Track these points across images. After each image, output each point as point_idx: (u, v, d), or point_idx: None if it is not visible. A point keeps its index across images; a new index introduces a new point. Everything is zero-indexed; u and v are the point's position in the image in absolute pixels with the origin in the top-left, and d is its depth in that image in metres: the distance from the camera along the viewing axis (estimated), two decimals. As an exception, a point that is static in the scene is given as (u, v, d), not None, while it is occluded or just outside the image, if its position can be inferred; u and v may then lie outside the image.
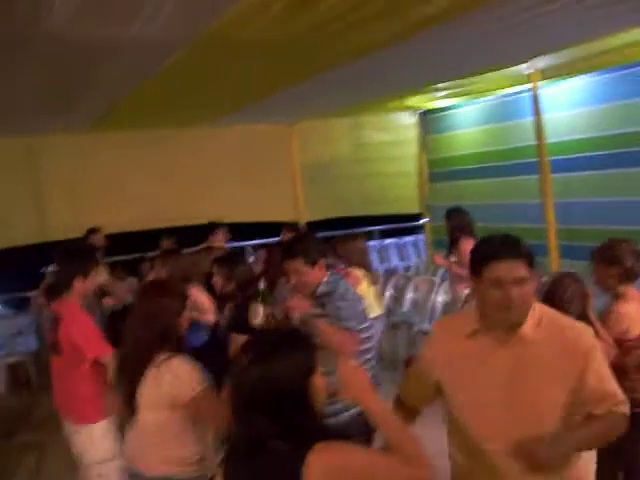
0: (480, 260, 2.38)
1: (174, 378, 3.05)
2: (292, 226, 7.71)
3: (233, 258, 5.46)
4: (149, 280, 4.46)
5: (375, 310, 6.16)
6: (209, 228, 7.93)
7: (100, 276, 4.51)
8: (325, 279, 3.91)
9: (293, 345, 2.10)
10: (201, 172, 9.23)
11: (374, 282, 6.50)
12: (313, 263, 3.84)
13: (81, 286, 4.29)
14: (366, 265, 6.28)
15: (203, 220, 8.39)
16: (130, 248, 9.03)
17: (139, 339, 3.19)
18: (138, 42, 4.38)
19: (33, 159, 8.70)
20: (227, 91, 6.42)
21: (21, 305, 9.08)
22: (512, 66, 6.33)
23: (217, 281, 5.21)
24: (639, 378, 3.63)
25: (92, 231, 7.80)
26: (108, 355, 4.08)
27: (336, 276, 4.08)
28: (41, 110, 6.81)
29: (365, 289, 5.96)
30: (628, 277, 3.82)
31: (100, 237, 7.85)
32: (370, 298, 6.06)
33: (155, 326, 3.16)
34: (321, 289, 3.88)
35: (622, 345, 3.64)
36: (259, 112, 7.97)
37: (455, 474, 2.64)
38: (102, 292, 6.13)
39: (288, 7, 3.85)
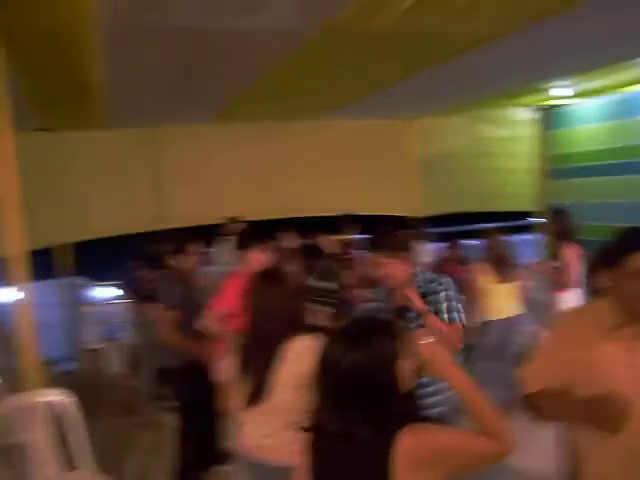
0: (623, 250, 2.32)
1: (300, 355, 3.13)
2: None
3: None
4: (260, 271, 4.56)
5: (500, 311, 6.07)
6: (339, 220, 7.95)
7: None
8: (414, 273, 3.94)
9: (380, 332, 2.13)
10: (319, 164, 9.34)
11: (508, 280, 6.32)
12: (399, 256, 3.88)
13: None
14: (500, 262, 6.18)
15: (320, 212, 8.48)
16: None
17: (265, 331, 3.29)
18: (263, 33, 4.46)
19: (154, 149, 9.04)
20: (347, 83, 6.45)
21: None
22: (634, 61, 6.07)
23: None
24: None
25: (232, 220, 7.98)
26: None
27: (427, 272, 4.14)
28: (167, 102, 7.04)
29: (491, 288, 5.92)
30: None
31: (239, 226, 8.06)
32: (497, 297, 6.00)
33: (279, 317, 3.25)
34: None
35: None
36: (379, 106, 7.98)
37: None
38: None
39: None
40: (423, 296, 3.81)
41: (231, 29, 4.35)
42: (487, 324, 6.25)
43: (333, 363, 2.09)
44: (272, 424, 3.23)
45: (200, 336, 4.96)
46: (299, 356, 3.13)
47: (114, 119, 7.76)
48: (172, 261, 5.48)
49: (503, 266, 6.25)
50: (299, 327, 3.27)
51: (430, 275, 4.04)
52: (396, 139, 9.70)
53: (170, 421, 6.27)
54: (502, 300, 6.26)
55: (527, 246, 11.29)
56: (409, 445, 1.96)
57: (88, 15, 3.88)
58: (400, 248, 3.91)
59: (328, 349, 2.14)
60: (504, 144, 9.90)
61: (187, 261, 5.45)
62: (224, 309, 4.47)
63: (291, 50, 4.95)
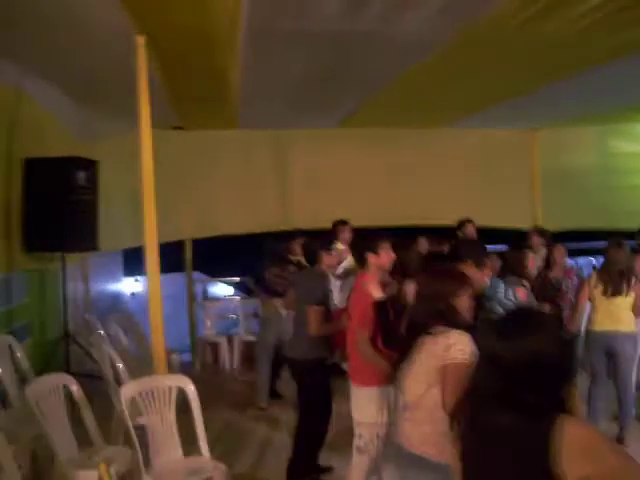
0: None
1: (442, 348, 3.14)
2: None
3: None
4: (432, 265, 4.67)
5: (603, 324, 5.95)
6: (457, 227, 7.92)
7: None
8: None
9: (548, 322, 2.27)
10: (440, 173, 9.31)
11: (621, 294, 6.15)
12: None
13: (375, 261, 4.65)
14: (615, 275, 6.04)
15: (439, 221, 8.43)
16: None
17: (415, 318, 3.42)
18: (394, 38, 4.50)
19: (280, 150, 9.26)
20: (473, 91, 6.41)
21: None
22: None
23: None
24: None
25: (341, 223, 8.10)
26: (363, 331, 4.36)
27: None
28: (296, 106, 7.19)
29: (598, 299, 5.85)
30: None
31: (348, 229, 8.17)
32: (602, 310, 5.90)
33: (431, 306, 3.32)
34: None
35: None
36: (502, 116, 7.86)
37: None
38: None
39: (552, 4, 3.79)
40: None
41: (365, 33, 4.42)
42: (589, 335, 6.07)
43: (500, 352, 2.15)
44: (429, 420, 3.24)
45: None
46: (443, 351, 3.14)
47: (245, 120, 7.99)
48: (302, 259, 5.74)
49: (618, 279, 6.03)
50: (444, 318, 3.27)
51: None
52: (520, 150, 9.51)
53: (285, 417, 6.41)
54: (607, 313, 6.05)
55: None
56: (574, 433, 1.99)
57: (232, 18, 4.04)
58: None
59: (493, 339, 2.21)
60: (635, 160, 9.50)
61: (328, 260, 5.64)
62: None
63: (422, 57, 4.97)
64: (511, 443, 2.11)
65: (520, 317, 2.30)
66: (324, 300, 5.32)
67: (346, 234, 8.06)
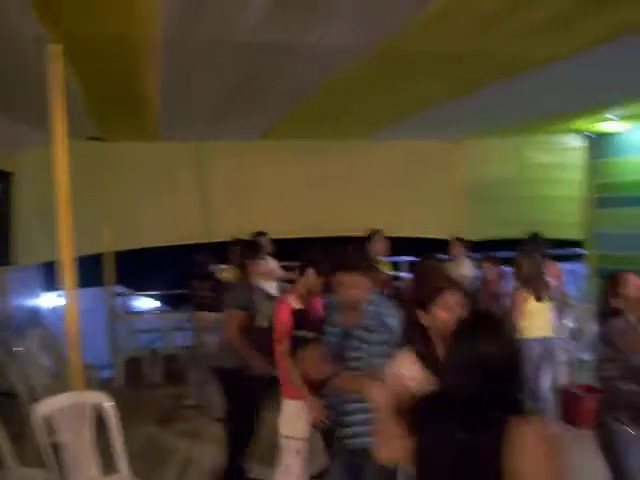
0: None
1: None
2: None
3: None
4: None
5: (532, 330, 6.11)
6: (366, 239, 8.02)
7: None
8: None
9: (503, 326, 2.40)
10: (362, 185, 9.40)
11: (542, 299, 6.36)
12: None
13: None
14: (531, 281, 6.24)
15: (358, 232, 8.51)
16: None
17: None
18: (312, 49, 4.53)
19: (202, 162, 9.20)
20: (394, 103, 6.49)
21: (179, 302, 9.48)
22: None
23: None
24: None
25: (260, 234, 8.18)
26: (283, 343, 4.47)
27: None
28: (217, 118, 7.15)
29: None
30: None
31: (267, 240, 8.23)
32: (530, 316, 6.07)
33: None
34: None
35: None
36: (426, 127, 7.99)
37: None
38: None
39: (470, 19, 3.87)
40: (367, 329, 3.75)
41: (283, 45, 4.42)
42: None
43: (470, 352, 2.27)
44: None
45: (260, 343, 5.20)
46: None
47: (165, 132, 7.90)
48: (226, 273, 5.75)
49: (534, 285, 6.28)
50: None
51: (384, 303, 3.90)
52: (443, 161, 9.70)
53: (211, 430, 6.34)
54: (535, 319, 6.27)
55: (573, 275, 11.15)
56: (533, 433, 2.13)
57: (147, 29, 3.99)
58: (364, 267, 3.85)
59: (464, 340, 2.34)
60: (552, 171, 9.81)
61: (261, 268, 5.68)
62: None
63: (341, 68, 5.01)
64: (467, 444, 2.19)
65: (478, 321, 2.44)
66: (247, 307, 5.31)
67: (267, 245, 8.13)
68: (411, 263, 9.29)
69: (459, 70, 5.12)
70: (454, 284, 3.15)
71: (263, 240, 8.27)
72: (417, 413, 2.41)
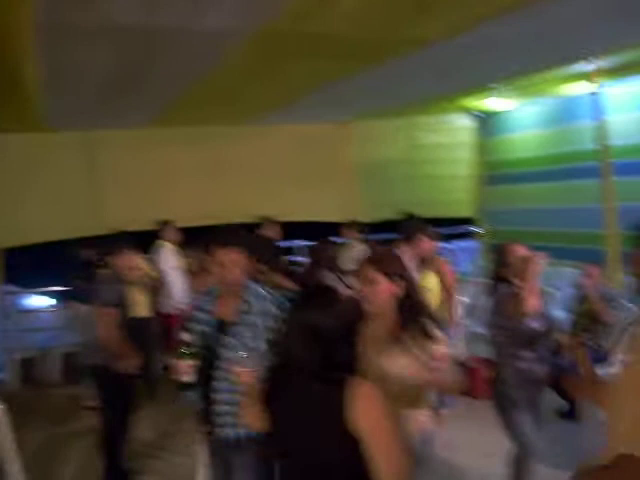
0: None
1: None
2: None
3: None
4: None
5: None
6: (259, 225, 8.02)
7: None
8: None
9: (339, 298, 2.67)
10: (254, 170, 9.33)
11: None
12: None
13: None
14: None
15: (254, 218, 8.46)
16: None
17: None
18: (197, 34, 4.43)
19: (91, 152, 8.90)
20: (282, 85, 6.44)
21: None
22: (573, 65, 6.20)
23: None
24: None
25: (165, 223, 8.06)
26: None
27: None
28: (103, 104, 6.93)
29: None
30: None
31: (172, 228, 8.12)
32: None
33: None
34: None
35: None
36: (314, 109, 7.98)
37: None
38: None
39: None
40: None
41: (167, 29, 4.30)
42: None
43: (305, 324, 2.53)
44: None
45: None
46: None
47: (50, 121, 7.59)
48: (108, 263, 5.57)
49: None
50: None
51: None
52: (334, 144, 9.72)
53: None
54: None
55: (465, 253, 11.45)
56: (365, 389, 2.45)
57: (22, 11, 3.79)
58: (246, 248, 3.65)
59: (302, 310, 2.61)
60: (442, 151, 9.99)
61: (125, 262, 5.52)
62: None
63: (227, 52, 4.92)
64: (312, 404, 2.49)
65: (318, 293, 2.72)
66: (116, 302, 5.21)
67: (171, 234, 8.02)
68: (308, 247, 9.31)
69: (345, 51, 5.11)
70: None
71: (168, 229, 8.16)
72: (269, 383, 2.69)
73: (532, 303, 4.33)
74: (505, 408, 4.58)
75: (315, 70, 5.80)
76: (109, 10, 3.92)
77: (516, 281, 4.46)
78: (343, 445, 2.41)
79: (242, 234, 3.96)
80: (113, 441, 5.21)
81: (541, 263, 4.46)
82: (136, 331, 5.62)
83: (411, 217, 7.68)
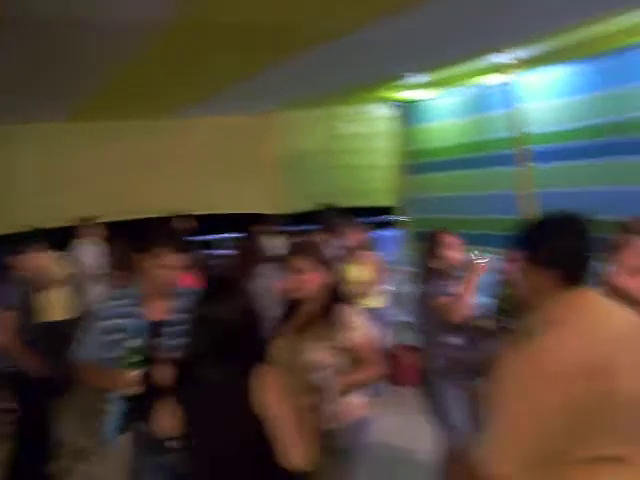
0: None
1: None
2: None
3: None
4: None
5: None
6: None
7: None
8: None
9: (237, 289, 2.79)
10: (177, 164, 9.20)
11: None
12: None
13: None
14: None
15: (180, 212, 8.34)
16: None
17: None
18: (113, 26, 4.31)
19: (5, 147, 8.58)
20: (202, 78, 6.36)
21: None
22: (488, 55, 6.30)
23: None
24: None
25: (86, 219, 7.89)
26: None
27: None
28: (16, 98, 6.70)
29: None
30: None
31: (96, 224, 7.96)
32: None
33: None
34: None
35: None
36: (236, 100, 7.90)
37: None
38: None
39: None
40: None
41: (80, 20, 4.17)
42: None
43: (208, 317, 2.63)
44: None
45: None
46: None
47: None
48: (12, 263, 5.31)
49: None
50: None
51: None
52: (255, 135, 9.65)
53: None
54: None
55: (389, 241, 11.53)
56: (269, 378, 2.56)
57: None
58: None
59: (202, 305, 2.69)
60: (361, 140, 10.04)
61: (29, 262, 5.29)
62: None
63: (144, 44, 4.82)
64: (219, 395, 2.59)
65: (221, 285, 2.80)
66: (16, 306, 4.98)
67: (92, 230, 7.81)
68: (234, 240, 9.23)
69: (261, 42, 5.06)
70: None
71: (88, 225, 7.95)
72: (177, 378, 2.80)
73: (462, 311, 4.40)
74: (433, 395, 4.62)
75: (234, 62, 5.74)
76: (22, 1, 3.78)
77: (446, 276, 4.52)
78: (249, 430, 2.52)
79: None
80: (31, 446, 5.03)
81: (482, 267, 4.56)
82: (50, 335, 5.43)
83: (330, 208, 7.70)
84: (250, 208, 9.55)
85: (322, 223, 7.10)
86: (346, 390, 3.38)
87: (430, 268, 4.69)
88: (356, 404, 3.52)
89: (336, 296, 3.47)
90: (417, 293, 4.83)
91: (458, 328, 4.49)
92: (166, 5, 3.99)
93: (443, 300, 4.46)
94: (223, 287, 2.79)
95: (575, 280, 2.06)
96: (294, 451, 2.51)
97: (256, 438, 2.52)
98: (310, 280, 3.42)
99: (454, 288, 4.53)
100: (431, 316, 4.57)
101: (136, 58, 5.25)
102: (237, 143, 9.46)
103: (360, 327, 3.44)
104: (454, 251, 4.66)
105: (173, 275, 3.39)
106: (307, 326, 3.41)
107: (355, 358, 3.39)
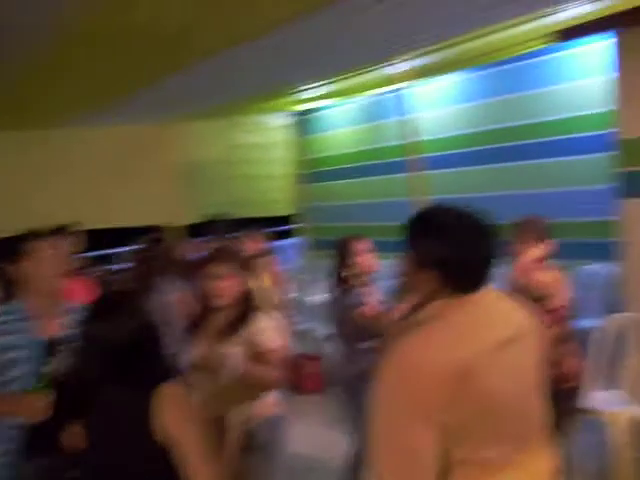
0: None
1: None
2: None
3: None
4: None
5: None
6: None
7: None
8: None
9: (128, 305, 2.52)
10: (74, 175, 8.89)
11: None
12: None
13: None
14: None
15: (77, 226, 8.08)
16: None
17: None
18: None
19: None
20: (95, 86, 6.20)
21: None
22: (381, 66, 6.42)
23: None
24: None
25: None
26: None
27: None
28: None
29: None
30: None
31: None
32: None
33: None
34: None
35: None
36: (133, 110, 7.74)
37: None
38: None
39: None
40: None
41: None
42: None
43: (96, 335, 2.40)
44: None
45: None
46: None
47: None
48: None
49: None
50: None
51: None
52: (155, 146, 9.44)
53: None
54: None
55: (289, 250, 11.57)
56: (170, 400, 2.33)
57: None
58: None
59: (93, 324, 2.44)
60: (259, 151, 10.04)
61: None
62: None
63: (34, 52, 4.66)
64: (117, 419, 2.38)
65: (111, 301, 2.55)
66: None
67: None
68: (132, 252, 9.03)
69: (159, 51, 4.99)
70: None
71: None
72: (71, 400, 2.63)
73: (379, 318, 4.41)
74: (350, 402, 4.57)
75: (130, 71, 5.63)
76: None
77: (358, 285, 4.54)
78: (152, 456, 2.31)
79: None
80: None
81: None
82: None
83: (224, 218, 7.67)
84: (149, 220, 9.34)
85: (216, 233, 7.06)
86: (256, 387, 3.43)
87: (342, 276, 4.63)
88: (269, 402, 3.57)
89: (249, 303, 3.52)
90: (331, 301, 4.76)
91: (374, 334, 4.48)
92: (54, 9, 3.88)
93: (360, 308, 4.45)
94: (114, 303, 2.54)
95: (462, 281, 1.95)
96: (202, 475, 2.32)
97: (161, 466, 2.31)
98: (230, 286, 3.45)
99: (368, 295, 4.54)
100: (348, 323, 4.53)
101: (24, 65, 5.07)
102: (136, 154, 9.25)
103: (272, 333, 3.51)
104: (366, 257, 4.63)
105: (59, 287, 3.24)
106: (223, 333, 3.43)
107: (266, 363, 3.43)
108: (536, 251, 4.29)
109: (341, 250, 4.71)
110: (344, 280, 4.60)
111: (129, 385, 2.37)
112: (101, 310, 2.49)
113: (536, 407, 2.04)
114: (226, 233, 6.78)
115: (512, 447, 1.92)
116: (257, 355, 3.40)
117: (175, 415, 2.32)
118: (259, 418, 3.47)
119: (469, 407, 1.82)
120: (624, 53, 4.89)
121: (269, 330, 3.51)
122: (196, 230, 8.71)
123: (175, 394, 2.38)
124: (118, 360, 2.37)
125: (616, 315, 5.01)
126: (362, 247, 4.67)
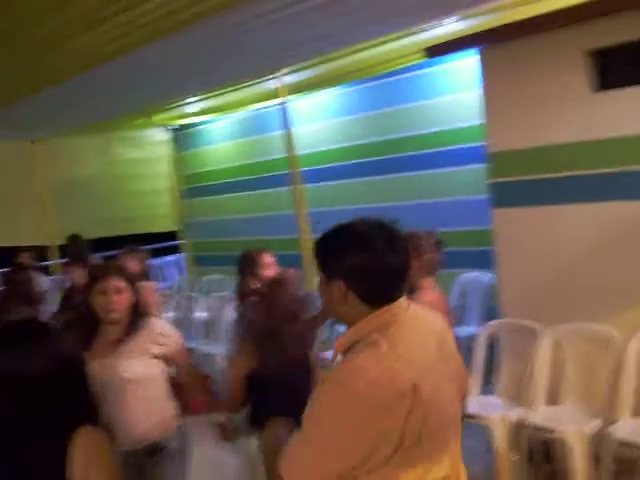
0: None
1: None
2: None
3: None
4: None
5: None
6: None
7: None
8: None
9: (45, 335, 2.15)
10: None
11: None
12: None
13: None
14: None
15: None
16: None
17: None
18: None
19: None
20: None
21: None
22: (260, 80, 6.44)
23: None
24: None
25: None
26: None
27: None
28: None
29: None
30: (429, 269, 3.90)
31: None
32: None
33: None
34: None
35: None
36: (3, 127, 7.40)
37: None
38: None
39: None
40: None
41: None
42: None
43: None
44: None
45: None
46: None
47: None
48: None
49: None
50: None
51: None
52: (24, 163, 9.04)
53: None
54: None
55: (172, 267, 11.40)
56: (88, 444, 2.02)
57: None
58: None
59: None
60: (140, 166, 9.83)
61: None
62: None
63: None
64: (28, 472, 2.01)
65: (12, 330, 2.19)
66: None
67: None
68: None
69: (31, 65, 4.80)
70: None
71: None
72: None
73: None
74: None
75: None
76: None
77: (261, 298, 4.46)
78: None
79: None
80: None
81: None
82: None
83: (76, 239, 7.48)
84: (21, 241, 8.94)
85: (69, 254, 6.89)
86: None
87: (247, 290, 4.53)
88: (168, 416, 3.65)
89: (138, 310, 3.55)
90: (237, 316, 4.65)
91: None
92: None
93: None
94: (22, 332, 2.17)
95: (377, 296, 1.94)
96: None
97: None
98: (126, 299, 3.48)
99: None
100: (247, 338, 4.41)
101: None
102: (5, 172, 8.83)
103: (172, 334, 3.61)
104: (272, 270, 4.58)
105: None
106: (118, 344, 3.43)
107: (175, 364, 3.59)
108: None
109: (247, 263, 4.66)
110: (251, 294, 4.46)
111: (41, 429, 2.03)
112: (6, 340, 2.13)
113: (458, 411, 2.10)
114: (85, 254, 6.61)
115: (438, 451, 1.96)
116: (166, 358, 3.51)
117: (93, 464, 2.02)
118: (173, 425, 3.62)
119: (419, 423, 1.83)
120: (488, 69, 5.07)
121: (170, 332, 3.61)
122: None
123: (93, 439, 2.06)
124: (28, 398, 2.03)
125: (492, 322, 5.18)
126: (267, 260, 4.65)
